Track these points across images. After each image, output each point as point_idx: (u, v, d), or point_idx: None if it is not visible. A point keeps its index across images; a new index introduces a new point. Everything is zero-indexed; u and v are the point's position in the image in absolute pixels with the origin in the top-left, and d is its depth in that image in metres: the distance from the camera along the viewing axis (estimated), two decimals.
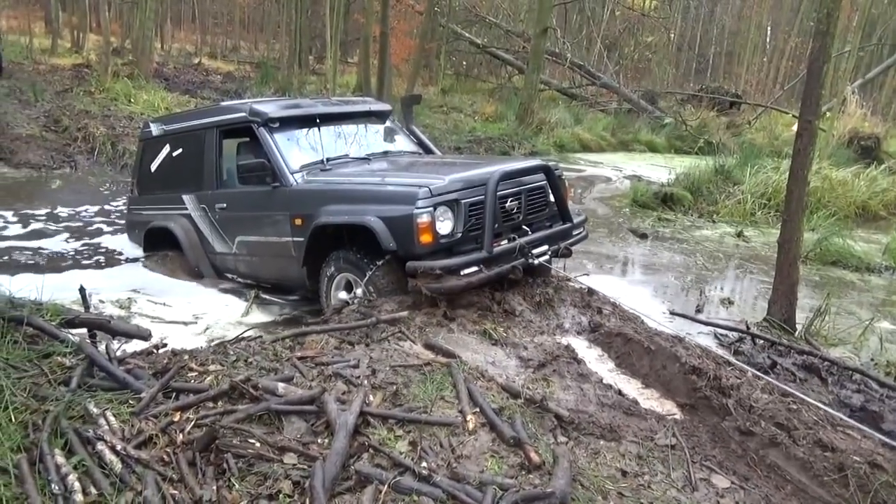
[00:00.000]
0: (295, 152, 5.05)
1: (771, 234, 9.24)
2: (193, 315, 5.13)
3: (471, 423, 2.69)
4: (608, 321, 4.39)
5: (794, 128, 19.20)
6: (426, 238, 3.98)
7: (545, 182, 4.71)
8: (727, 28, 29.20)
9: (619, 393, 3.36)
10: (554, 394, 3.19)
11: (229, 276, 5.62)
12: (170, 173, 5.84)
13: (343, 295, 4.53)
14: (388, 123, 5.85)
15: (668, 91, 20.08)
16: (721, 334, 5.44)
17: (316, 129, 5.28)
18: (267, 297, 5.34)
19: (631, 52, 25.39)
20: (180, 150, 5.74)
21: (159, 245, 5.99)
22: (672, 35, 25.93)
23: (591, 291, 4.90)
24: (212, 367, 3.01)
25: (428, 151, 5.76)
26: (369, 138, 5.60)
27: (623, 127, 16.51)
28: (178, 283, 5.68)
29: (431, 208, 3.98)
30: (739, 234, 8.92)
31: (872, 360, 5.25)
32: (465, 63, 21.97)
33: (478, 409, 2.86)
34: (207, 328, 4.92)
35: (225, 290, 5.54)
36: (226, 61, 23.79)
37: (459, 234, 4.16)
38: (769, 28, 29.63)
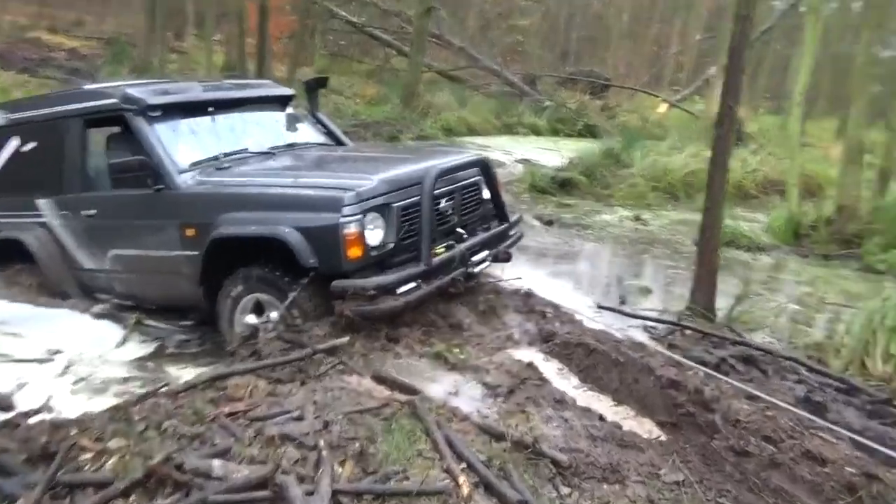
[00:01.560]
0: (182, 147, 4.22)
1: (666, 217, 9.48)
2: (50, 350, 4.17)
3: (465, 488, 2.21)
4: (555, 327, 4.04)
5: (660, 109, 20.09)
6: (355, 252, 3.39)
7: (479, 178, 4.26)
8: (593, 13, 30.22)
9: (601, 418, 3.00)
10: (537, 429, 2.76)
11: (103, 296, 4.68)
12: (19, 173, 4.76)
13: (251, 319, 3.82)
14: (290, 110, 5.12)
15: (544, 74, 20.31)
16: (650, 327, 5.32)
17: (206, 117, 4.47)
18: (152, 322, 4.47)
19: (503, 35, 25.47)
20: (33, 145, 4.68)
21: (5, 260, 4.90)
22: (543, 18, 26.36)
23: (529, 294, 4.54)
24: (112, 443, 2.29)
25: (339, 143, 5.10)
26: (271, 128, 4.84)
27: (507, 110, 16.43)
28: (33, 307, 4.65)
29: (360, 216, 3.39)
30: (637, 218, 9.01)
31: (791, 343, 5.33)
32: (342, 42, 20.98)
33: (465, 465, 2.38)
34: (69, 366, 4.01)
35: (96, 315, 4.60)
36: (69, 36, 21.11)
37: (392, 245, 3.59)
38: (625, 16, 30.95)
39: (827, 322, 5.94)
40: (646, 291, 6.24)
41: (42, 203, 4.64)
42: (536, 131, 16.46)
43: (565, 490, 2.41)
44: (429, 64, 16.84)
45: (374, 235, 3.48)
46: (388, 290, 3.37)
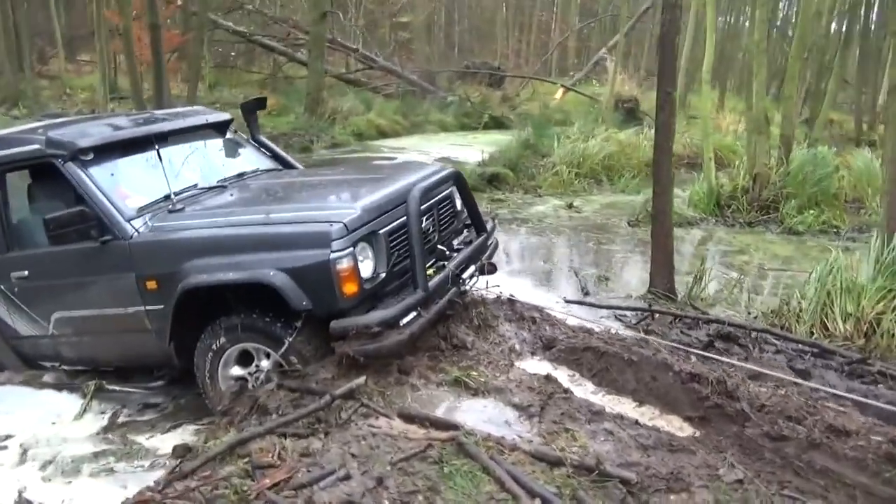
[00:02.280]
0: (125, 191, 3.79)
1: (594, 202, 9.71)
2: (4, 431, 3.68)
3: None
4: (552, 332, 4.00)
5: (557, 95, 20.65)
6: (350, 288, 3.14)
7: (452, 190, 4.12)
8: (477, 6, 30.61)
9: (637, 423, 2.96)
10: (588, 447, 2.68)
11: (48, 364, 4.17)
12: None
13: (236, 371, 3.50)
14: (229, 136, 4.76)
15: (441, 70, 20.37)
16: (620, 315, 5.40)
17: (144, 154, 4.05)
18: (114, 387, 4.01)
19: (391, 33, 25.32)
20: None
21: None
22: (429, 14, 26.36)
23: (512, 300, 4.46)
24: None
25: (287, 166, 4.80)
26: (214, 159, 4.47)
27: (412, 109, 16.33)
28: None
29: (351, 248, 3.14)
30: (570, 206, 9.17)
31: (750, 313, 5.57)
32: (233, 54, 20.06)
33: (540, 501, 2.26)
34: (27, 450, 3.54)
35: (44, 385, 4.10)
36: None
37: (383, 274, 3.38)
38: (504, 7, 31.58)
39: (773, 288, 6.27)
40: (603, 279, 6.33)
41: None
42: (444, 128, 16.49)
43: None
44: (326, 69, 16.40)
45: (366, 267, 3.25)
46: (392, 324, 3.16)
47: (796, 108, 10.23)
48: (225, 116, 4.72)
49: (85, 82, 18.27)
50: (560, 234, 7.93)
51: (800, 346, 4.55)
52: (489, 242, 4.29)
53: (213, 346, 3.41)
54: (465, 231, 4.39)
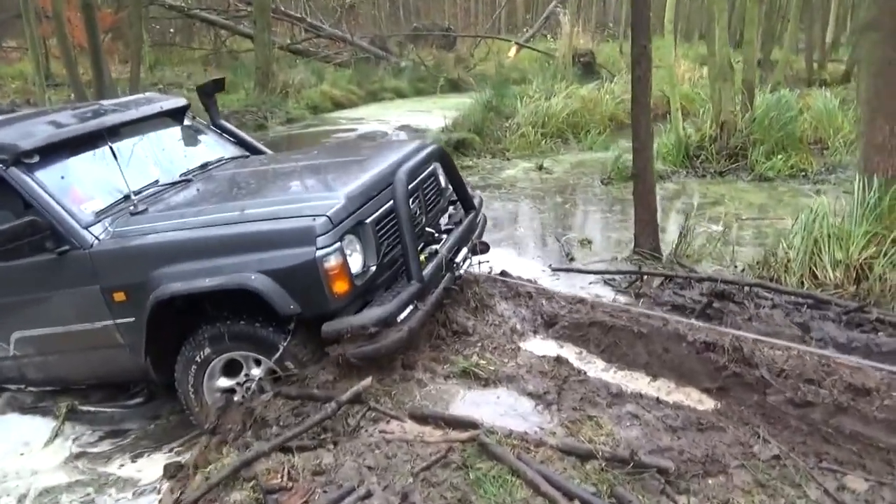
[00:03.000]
0: (78, 194, 3.44)
1: (564, 162, 9.55)
2: None
3: None
4: (552, 307, 3.84)
5: (511, 53, 20.28)
6: (340, 286, 2.89)
7: (436, 167, 3.88)
8: None
9: (658, 401, 2.84)
10: (614, 435, 2.54)
11: (12, 387, 3.84)
12: None
13: (223, 382, 3.24)
14: (186, 122, 4.40)
15: (392, 34, 19.77)
16: (609, 279, 5.28)
17: (95, 151, 3.70)
18: (88, 407, 3.73)
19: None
20: None
21: None
22: None
23: (505, 275, 4.30)
24: None
25: (253, 151, 4.48)
26: (174, 150, 4.12)
27: (366, 77, 15.80)
28: None
29: (338, 243, 2.88)
30: (540, 168, 8.99)
31: (737, 266, 5.52)
32: (171, 31, 19.05)
33: (577, 500, 2.11)
34: (2, 481, 3.28)
35: (9, 409, 3.79)
36: None
37: (374, 267, 3.14)
38: None
39: (755, 238, 6.24)
40: (586, 243, 6.20)
41: None
42: (400, 94, 16.06)
43: (683, 500, 2.22)
44: (273, 41, 15.70)
45: (355, 262, 3.00)
46: (389, 322, 2.92)
47: (755, 52, 10.14)
48: (181, 102, 4.35)
49: (13, 70, 17.15)
50: (534, 199, 7.76)
51: (794, 298, 4.50)
52: (478, 220, 4.09)
53: (197, 358, 3.14)
54: (450, 209, 4.17)
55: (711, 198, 7.59)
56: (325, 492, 2.26)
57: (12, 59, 19.24)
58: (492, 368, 3.02)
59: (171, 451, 3.41)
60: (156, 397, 3.68)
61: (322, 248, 2.83)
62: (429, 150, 3.63)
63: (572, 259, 5.78)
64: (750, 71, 9.36)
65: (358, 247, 3.04)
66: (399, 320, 2.98)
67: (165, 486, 3.10)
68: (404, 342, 2.95)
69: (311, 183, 3.52)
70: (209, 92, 4.48)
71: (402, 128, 11.87)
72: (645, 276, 5.14)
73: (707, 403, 2.95)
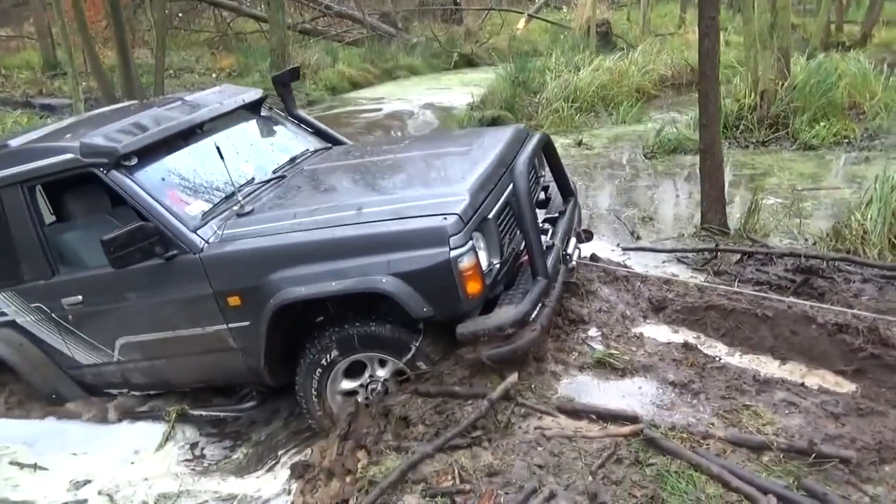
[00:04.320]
0: (180, 196, 3.38)
1: (601, 136, 9.45)
2: (75, 482, 3.38)
3: None
4: (653, 292, 3.81)
5: (520, 25, 19.96)
6: (474, 287, 2.81)
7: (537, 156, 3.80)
8: None
9: (803, 386, 2.82)
10: (777, 423, 2.53)
11: (115, 392, 3.81)
12: None
13: (346, 384, 3.21)
14: (264, 113, 4.31)
15: (400, 10, 19.43)
16: (681, 257, 5.24)
17: (187, 150, 3.62)
18: (199, 411, 3.68)
19: None
20: None
21: None
22: None
23: (595, 258, 4.25)
24: None
25: (333, 141, 4.39)
26: (261, 144, 4.05)
27: (379, 55, 15.56)
28: (34, 424, 3.74)
29: (471, 242, 2.80)
30: (580, 143, 8.90)
31: (807, 239, 5.48)
32: (180, 15, 18.69)
33: (776, 499, 2.09)
34: (116, 491, 3.26)
35: (116, 414, 3.76)
36: None
37: (497, 265, 3.07)
38: None
39: (816, 209, 6.19)
40: (648, 220, 6.15)
41: None
42: (414, 72, 15.84)
43: (871, 489, 2.20)
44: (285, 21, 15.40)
45: (483, 260, 2.93)
46: (524, 321, 2.85)
47: (790, 17, 9.97)
48: (257, 93, 4.25)
49: (18, 60, 16.82)
50: (582, 175, 7.68)
51: (882, 271, 4.47)
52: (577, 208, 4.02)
53: (323, 361, 3.10)
54: (542, 197, 4.11)
55: (760, 169, 7.52)
56: (506, 493, 2.23)
57: (12, 49, 18.90)
58: (626, 358, 2.99)
59: (289, 454, 3.39)
60: (268, 400, 3.62)
61: (456, 248, 2.75)
62: (537, 138, 3.54)
63: (638, 237, 5.74)
64: (786, 37, 9.21)
65: (482, 244, 2.97)
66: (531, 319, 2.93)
67: (295, 486, 3.09)
68: (537, 341, 2.90)
69: (423, 178, 3.42)
70: (285, 81, 4.39)
71: (426, 106, 11.70)
72: (718, 254, 5.10)
73: (845, 386, 2.93)
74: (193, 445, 3.56)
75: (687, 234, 5.70)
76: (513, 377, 2.72)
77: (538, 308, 2.95)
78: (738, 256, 4.99)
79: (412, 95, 13.00)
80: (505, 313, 2.85)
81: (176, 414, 3.62)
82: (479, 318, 2.88)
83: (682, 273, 4.92)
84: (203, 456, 3.50)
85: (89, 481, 3.38)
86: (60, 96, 12.67)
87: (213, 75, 15.14)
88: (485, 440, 2.58)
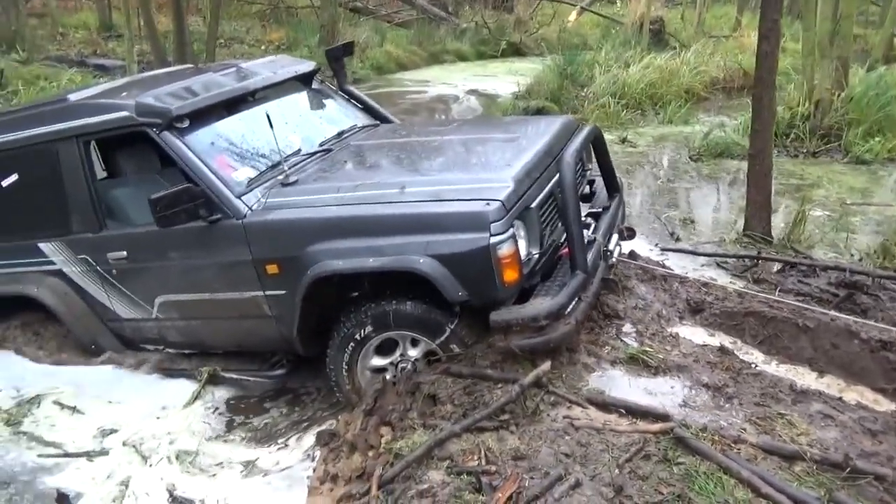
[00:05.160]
0: (229, 161, 3.43)
1: (646, 135, 9.31)
2: (102, 429, 3.48)
3: None
4: (690, 293, 3.76)
5: (571, 17, 19.70)
6: (511, 275, 2.79)
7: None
8: None
9: (841, 400, 2.76)
10: (811, 434, 2.48)
11: (150, 347, 3.91)
12: (7, 213, 3.80)
13: (376, 361, 3.24)
14: (315, 86, 4.34)
15: None
16: (721, 262, 5.15)
17: (238, 117, 3.67)
18: (230, 374, 3.74)
19: None
20: (16, 177, 3.71)
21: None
22: None
23: (633, 256, 4.21)
24: None
25: (381, 119, 4.41)
26: (309, 117, 4.09)
27: (428, 38, 15.54)
28: (74, 370, 3.86)
29: (512, 230, 2.79)
30: (624, 140, 8.78)
31: (853, 255, 5.34)
32: None
33: None
34: (140, 443, 3.34)
35: (149, 369, 3.85)
36: None
37: (536, 255, 3.06)
38: None
39: (864, 224, 6.02)
40: (688, 222, 6.06)
41: (48, 248, 3.75)
42: (461, 57, 15.80)
43: None
44: None
45: (522, 249, 2.92)
46: (559, 314, 2.83)
47: (853, 27, 9.66)
48: (311, 65, 4.28)
49: (75, 20, 17.21)
50: (624, 173, 7.56)
51: None
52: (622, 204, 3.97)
53: (357, 336, 3.12)
54: (587, 191, 4.07)
55: (809, 179, 7.34)
56: (532, 478, 2.24)
57: (70, 8, 19.31)
58: (660, 356, 2.96)
59: (314, 423, 3.43)
60: (299, 369, 3.67)
61: (496, 234, 2.73)
62: (587, 130, 3.50)
63: (678, 239, 5.66)
64: (846, 46, 8.93)
65: (522, 232, 2.96)
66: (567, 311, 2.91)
67: (318, 453, 3.13)
68: (571, 335, 2.88)
69: (468, 162, 3.41)
70: (338, 55, 4.41)
71: (471, 92, 11.67)
72: (759, 262, 5.00)
73: (884, 405, 2.86)
74: (220, 407, 3.62)
75: (728, 240, 5.59)
76: (545, 365, 2.72)
77: (574, 302, 2.93)
78: (780, 266, 4.90)
79: (458, 80, 12.97)
80: (540, 304, 2.84)
81: (207, 375, 3.69)
82: (513, 307, 2.87)
83: (721, 278, 4.82)
84: (229, 418, 3.56)
85: (116, 430, 3.47)
86: (114, 57, 12.95)
87: (262, 47, 15.31)
88: (512, 424, 2.59)
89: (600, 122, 9.59)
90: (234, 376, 3.71)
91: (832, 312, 3.21)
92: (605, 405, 2.64)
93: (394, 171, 3.36)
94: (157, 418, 3.55)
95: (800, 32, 9.92)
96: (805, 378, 3.05)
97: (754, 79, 5.38)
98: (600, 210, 3.66)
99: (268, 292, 3.28)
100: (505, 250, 2.75)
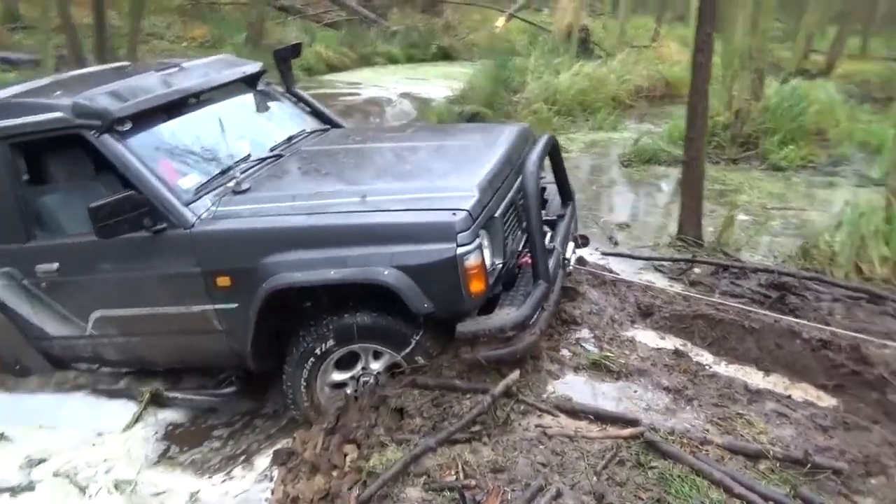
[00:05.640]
0: (173, 168, 3.25)
1: (578, 140, 9.55)
2: (30, 459, 3.22)
3: None
4: (637, 296, 3.87)
5: (499, 23, 19.97)
6: (477, 286, 2.77)
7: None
8: None
9: (790, 398, 2.91)
10: (769, 433, 2.59)
11: (83, 366, 3.66)
12: None
13: (337, 376, 3.14)
14: (261, 87, 4.19)
15: None
16: (658, 265, 5.34)
17: (183, 119, 3.50)
18: (176, 394, 3.53)
19: None
20: None
21: None
22: None
23: (582, 261, 4.29)
24: None
25: (331, 123, 4.30)
26: (258, 120, 3.94)
27: (358, 40, 15.36)
28: (15, 396, 3.57)
29: (478, 240, 2.76)
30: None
31: (776, 257, 5.66)
32: None
33: (773, 502, 2.15)
34: (74, 473, 3.11)
35: (85, 390, 3.60)
36: None
37: (500, 265, 3.05)
38: None
39: (785, 228, 6.38)
40: (625, 226, 6.25)
41: None
42: (392, 59, 15.70)
43: (861, 501, 2.28)
44: None
45: (486, 259, 2.88)
46: (525, 325, 2.82)
47: (767, 41, 10.25)
48: (257, 66, 4.13)
49: None
50: None
51: (850, 292, 4.63)
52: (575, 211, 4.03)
53: (318, 351, 3.01)
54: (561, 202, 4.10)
55: (731, 185, 7.72)
56: (513, 490, 2.23)
57: None
58: (621, 361, 3.02)
59: (267, 444, 3.29)
60: (249, 386, 3.51)
61: (463, 245, 2.70)
62: (546, 138, 3.53)
63: (616, 244, 5.82)
64: (763, 60, 9.47)
65: (487, 243, 2.94)
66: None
67: (276, 473, 3.02)
68: (535, 345, 2.89)
69: (430, 170, 3.35)
70: (286, 56, 4.29)
71: (404, 95, 11.62)
72: (695, 265, 5.22)
73: (826, 400, 3.03)
74: (164, 430, 3.42)
75: (662, 244, 5.81)
76: (514, 374, 2.72)
77: (538, 312, 2.94)
78: (714, 269, 5.13)
79: (389, 83, 12.89)
80: (506, 315, 2.82)
81: (149, 395, 3.47)
82: (479, 318, 2.85)
83: (659, 281, 5.00)
84: (174, 442, 3.36)
85: (46, 460, 3.21)
86: (21, 51, 12.11)
87: (184, 44, 14.73)
88: (484, 435, 2.57)
89: (534, 128, 9.77)
90: (179, 396, 3.51)
91: (776, 315, 3.37)
92: (575, 412, 2.67)
93: (352, 179, 3.28)
94: (93, 445, 3.32)
95: (719, 45, 10.45)
96: (753, 377, 3.19)
97: (690, 88, 5.61)
98: (555, 218, 3.70)
99: (218, 306, 3.13)
100: (472, 261, 2.73)
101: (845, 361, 3.09)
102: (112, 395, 3.57)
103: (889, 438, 2.64)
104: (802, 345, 3.21)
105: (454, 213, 2.76)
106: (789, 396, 2.92)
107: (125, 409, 3.49)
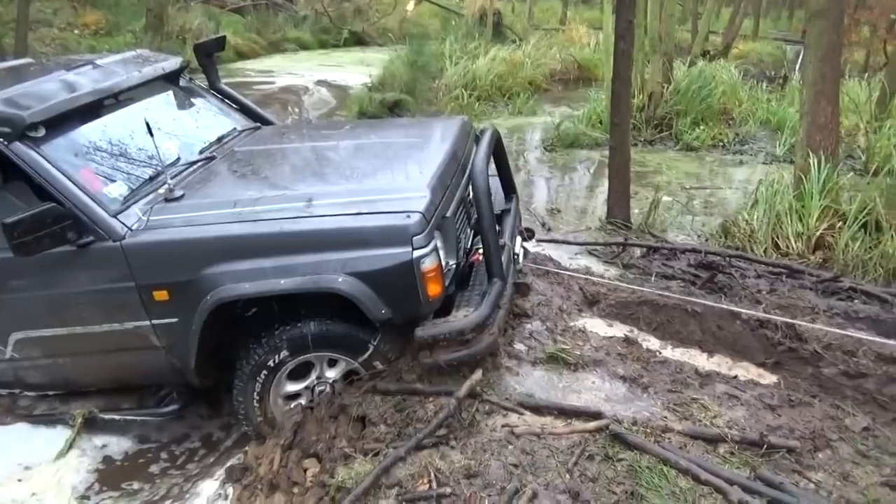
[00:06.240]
0: (95, 175, 2.99)
1: (499, 126, 9.44)
2: None
3: None
4: (580, 285, 3.94)
5: (409, 7, 19.74)
6: (434, 289, 2.70)
7: None
8: None
9: (736, 378, 3.04)
10: (723, 416, 2.70)
11: (3, 391, 3.35)
12: None
13: (291, 387, 3.01)
14: (183, 83, 3.93)
15: None
16: (592, 250, 5.46)
17: (103, 122, 3.23)
18: (112, 416, 3.26)
19: None
20: None
21: None
22: None
23: (526, 254, 4.31)
24: None
25: (260, 120, 4.09)
26: (184, 120, 3.68)
27: (266, 26, 14.79)
28: None
29: (434, 242, 2.69)
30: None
31: (699, 236, 5.92)
32: None
33: (737, 486, 2.24)
34: None
35: (9, 417, 3.31)
36: None
37: (454, 265, 3.01)
38: None
39: (704, 208, 6.68)
40: (555, 212, 6.35)
41: None
42: (303, 46, 15.28)
43: (814, 476, 2.41)
44: None
45: (442, 260, 2.81)
46: (484, 325, 2.78)
47: (675, 26, 10.65)
48: (177, 61, 3.87)
49: None
50: None
51: (770, 268, 4.91)
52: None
53: (271, 363, 2.87)
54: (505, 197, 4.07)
55: (650, 167, 8.00)
56: (489, 495, 2.21)
57: None
58: (576, 353, 3.06)
59: (218, 462, 3.14)
60: (192, 403, 3.31)
61: (418, 248, 2.62)
62: (490, 134, 3.49)
63: (549, 229, 5.91)
64: (670, 43, 9.84)
65: (440, 244, 2.88)
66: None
67: (231, 492, 2.89)
68: (494, 345, 2.87)
69: (376, 170, 3.22)
70: (210, 51, 4.03)
71: (321, 83, 11.32)
72: (625, 248, 5.37)
73: (766, 378, 3.19)
74: (100, 455, 3.19)
75: (593, 228, 5.95)
76: (477, 374, 2.70)
77: (495, 311, 2.92)
78: (644, 250, 5.31)
79: (303, 70, 12.52)
80: (465, 317, 2.78)
81: (82, 418, 3.22)
82: (438, 321, 2.79)
83: (594, 265, 5.12)
84: (112, 468, 3.14)
85: None
86: None
87: (76, 32, 13.70)
88: (452, 439, 2.54)
89: (455, 113, 9.77)
90: (117, 417, 3.27)
91: (717, 303, 3.51)
92: (539, 409, 2.68)
93: (294, 182, 3.13)
94: (19, 480, 3.05)
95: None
96: (699, 360, 3.31)
97: (612, 75, 5.73)
98: (500, 213, 3.69)
99: (155, 321, 2.92)
100: (428, 264, 2.66)
101: (782, 339, 3.26)
102: (42, 420, 3.28)
103: (829, 412, 2.81)
104: (742, 325, 3.36)
105: (408, 216, 2.68)
106: (735, 377, 3.05)
107: (57, 435, 3.23)
